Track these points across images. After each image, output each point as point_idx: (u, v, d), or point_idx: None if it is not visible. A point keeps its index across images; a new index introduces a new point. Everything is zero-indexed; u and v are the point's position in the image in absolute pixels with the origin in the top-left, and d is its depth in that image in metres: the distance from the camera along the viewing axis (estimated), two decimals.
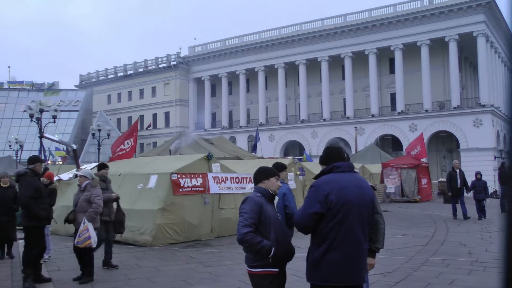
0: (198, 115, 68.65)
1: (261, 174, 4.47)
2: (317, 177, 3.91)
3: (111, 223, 9.17)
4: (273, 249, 4.08)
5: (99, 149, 38.09)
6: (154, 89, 70.02)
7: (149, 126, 69.29)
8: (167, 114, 68.85)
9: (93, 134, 39.28)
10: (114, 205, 9.59)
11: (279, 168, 5.85)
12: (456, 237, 12.85)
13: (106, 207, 8.96)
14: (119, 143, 18.55)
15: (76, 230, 8.09)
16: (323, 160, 4.03)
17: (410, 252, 10.71)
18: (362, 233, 3.74)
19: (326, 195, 3.67)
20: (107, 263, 9.23)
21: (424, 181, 28.08)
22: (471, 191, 17.85)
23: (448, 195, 19.33)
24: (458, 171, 17.54)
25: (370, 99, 53.66)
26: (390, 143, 54.63)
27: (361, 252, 3.73)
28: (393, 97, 53.86)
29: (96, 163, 19.33)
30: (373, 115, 52.84)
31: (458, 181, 17.28)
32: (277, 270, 4.18)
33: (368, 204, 3.80)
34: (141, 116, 69.41)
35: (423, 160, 29.95)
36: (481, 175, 18.05)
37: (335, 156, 3.95)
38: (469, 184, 17.89)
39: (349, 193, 3.71)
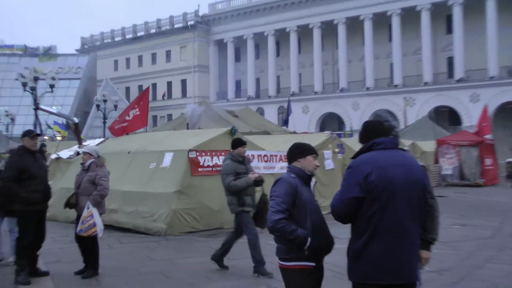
0: (220, 83, 68.80)
1: (296, 151, 4.48)
2: (355, 156, 3.92)
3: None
4: (309, 239, 4.10)
5: (104, 122, 38.49)
6: (168, 54, 70.40)
7: (164, 95, 69.64)
8: (183, 82, 69.29)
9: (98, 106, 39.76)
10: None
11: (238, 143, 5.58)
12: None
13: (248, 195, 8.26)
14: (124, 115, 18.54)
15: (79, 216, 8.10)
16: (362, 136, 4.05)
17: (471, 247, 10.54)
18: (412, 221, 3.72)
19: (366, 176, 3.66)
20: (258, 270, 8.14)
21: (488, 161, 27.58)
22: None
23: None
24: None
25: (422, 64, 52.76)
26: (447, 116, 53.72)
27: (410, 243, 3.72)
28: (450, 61, 52.83)
29: (102, 139, 19.49)
30: (426, 83, 52.02)
31: None
32: (313, 264, 4.20)
33: (418, 185, 3.78)
34: (154, 85, 69.83)
35: (488, 136, 29.33)
36: None
37: (375, 131, 3.97)
38: None
39: (393, 173, 3.70)
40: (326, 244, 4.27)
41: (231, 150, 8.56)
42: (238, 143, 8.55)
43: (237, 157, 8.40)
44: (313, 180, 4.51)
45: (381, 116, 49.01)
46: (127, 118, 18.07)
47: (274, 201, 4.14)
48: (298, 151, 4.46)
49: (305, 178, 4.38)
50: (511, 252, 9.97)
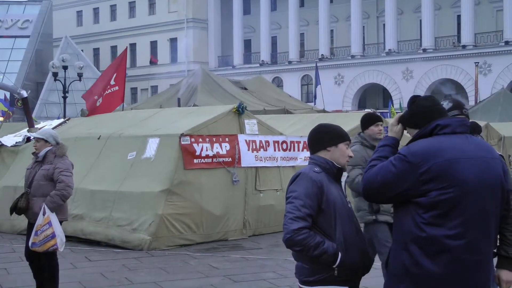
0: (223, 44, 68.71)
1: (325, 137, 4.44)
2: (409, 142, 3.87)
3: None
4: (340, 255, 4.10)
5: (64, 97, 38.44)
6: (152, 3, 70.61)
7: (151, 59, 69.51)
8: (173, 43, 69.51)
9: (55, 74, 39.59)
10: None
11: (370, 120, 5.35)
12: None
13: None
14: (98, 88, 18.59)
15: (31, 225, 8.15)
16: (419, 116, 3.95)
17: None
18: (485, 236, 3.69)
19: (422, 173, 3.61)
20: None
21: None
22: None
23: None
24: None
25: (502, 16, 52.25)
26: None
27: (479, 268, 3.70)
28: None
29: (62, 120, 19.57)
30: (507, 42, 51.64)
31: None
32: None
33: (494, 187, 3.72)
34: (132, 46, 69.73)
35: None
36: None
37: (438, 110, 3.90)
38: None
39: (462, 168, 3.63)
40: (362, 261, 4.26)
41: (360, 132, 8.04)
42: (369, 119, 8.01)
43: (370, 141, 7.82)
44: (345, 175, 4.55)
45: (441, 89, 48.90)
46: (102, 94, 18.21)
47: (292, 204, 4.12)
48: (328, 137, 4.42)
49: (334, 172, 4.37)
50: None
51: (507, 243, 4.36)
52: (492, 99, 37.91)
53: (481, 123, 26.64)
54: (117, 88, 18.01)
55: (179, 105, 21.10)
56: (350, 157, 4.49)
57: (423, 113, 3.91)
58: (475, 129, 13.85)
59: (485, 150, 3.81)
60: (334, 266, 4.09)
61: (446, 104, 4.62)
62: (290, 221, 4.03)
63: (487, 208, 3.68)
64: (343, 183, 4.51)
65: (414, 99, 4.06)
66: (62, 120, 19.40)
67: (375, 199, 3.93)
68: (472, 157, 3.68)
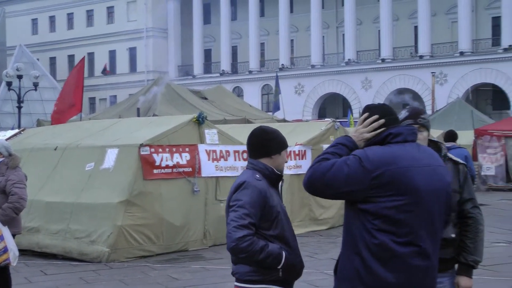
0: (183, 53, 68.64)
1: (271, 145, 4.51)
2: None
3: None
4: (284, 254, 4.24)
5: (19, 107, 37.94)
6: (110, 11, 70.31)
7: (105, 69, 69.21)
8: (132, 52, 69.36)
9: (9, 84, 39.00)
10: None
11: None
12: None
13: None
14: (63, 97, 18.42)
15: None
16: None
17: None
18: (433, 242, 3.72)
19: (374, 178, 3.60)
20: None
21: None
22: None
23: None
24: None
25: (458, 27, 53.05)
26: (490, 98, 54.15)
27: (428, 273, 3.72)
28: (496, 23, 53.31)
29: (16, 130, 19.30)
30: (462, 53, 52.42)
31: None
32: None
33: (441, 194, 3.78)
34: (90, 55, 69.51)
35: None
36: None
37: (391, 118, 3.90)
38: None
39: (413, 176, 3.65)
40: (299, 263, 4.41)
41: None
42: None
43: None
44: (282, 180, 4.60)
45: (400, 98, 49.38)
46: (61, 105, 18.02)
47: (236, 213, 4.18)
48: (274, 145, 4.48)
49: (275, 179, 4.48)
50: None
51: (467, 250, 4.55)
52: (448, 108, 38.48)
53: (438, 132, 27.01)
54: (72, 94, 17.82)
55: (138, 115, 20.95)
56: (286, 162, 4.61)
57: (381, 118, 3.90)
58: (452, 137, 14.23)
59: (433, 158, 3.87)
60: (279, 267, 4.21)
61: (403, 113, 4.67)
62: (234, 229, 4.11)
63: (435, 215, 3.73)
64: (280, 188, 4.59)
65: (368, 106, 4.05)
66: (16, 130, 19.18)
67: (317, 192, 3.79)
68: (423, 165, 3.72)
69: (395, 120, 3.91)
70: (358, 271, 3.65)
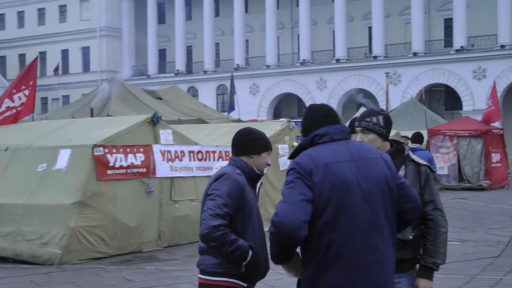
0: (137, 53, 68.19)
1: (253, 145, 4.62)
2: (293, 156, 3.94)
3: None
4: (250, 253, 4.32)
5: None
6: (63, 10, 69.49)
7: (57, 69, 68.38)
8: (85, 51, 68.69)
9: None
10: None
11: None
12: None
13: None
14: (3, 98, 18.09)
15: None
16: (303, 127, 4.08)
17: (473, 268, 10.80)
18: (378, 235, 3.74)
19: (310, 174, 3.67)
20: None
21: (496, 157, 28.21)
22: None
23: None
24: None
25: (411, 28, 53.68)
26: (443, 98, 54.88)
27: (378, 266, 3.72)
28: (448, 24, 54.07)
29: None
30: (415, 53, 53.08)
31: None
32: (246, 285, 4.46)
33: (380, 185, 3.80)
34: (42, 54, 68.52)
35: (495, 125, 30.07)
36: None
37: (318, 119, 3.97)
38: None
39: (341, 171, 3.71)
40: (265, 264, 4.52)
41: None
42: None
43: None
44: (259, 181, 4.69)
45: (354, 98, 49.78)
46: (9, 104, 17.65)
47: (214, 201, 4.28)
48: (255, 146, 4.61)
49: (254, 178, 4.59)
50: None
51: (426, 252, 4.62)
52: (402, 109, 38.87)
53: (392, 132, 27.29)
54: (26, 95, 17.51)
55: (92, 115, 20.72)
56: (269, 165, 4.70)
57: (307, 121, 4.02)
58: (419, 139, 14.46)
59: (366, 151, 3.90)
60: (244, 264, 4.31)
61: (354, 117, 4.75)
62: (210, 217, 4.22)
63: (376, 207, 3.73)
64: (258, 189, 4.71)
65: (307, 108, 4.15)
66: None
67: (299, 225, 3.59)
68: (351, 159, 3.76)
69: (332, 121, 3.94)
70: (310, 275, 3.72)
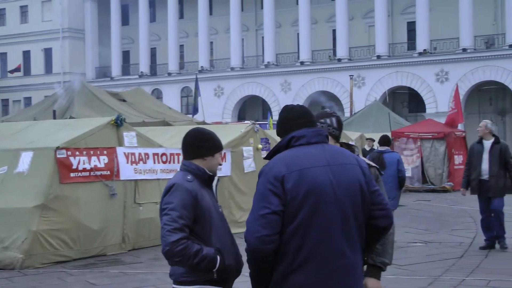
0: (100, 55, 67.63)
1: (205, 146, 4.54)
2: (269, 157, 3.96)
3: None
4: (218, 258, 4.27)
5: None
6: (24, 10, 68.71)
7: (16, 70, 67.50)
8: (48, 53, 68.02)
9: None
10: None
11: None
12: (510, 245, 13.06)
13: None
14: None
15: None
16: (278, 128, 4.07)
17: (436, 270, 10.85)
18: (347, 240, 3.76)
19: (282, 181, 3.68)
20: None
21: (459, 159, 28.44)
22: None
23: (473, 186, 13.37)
24: (489, 143, 12.94)
25: (375, 31, 54.09)
26: (406, 101, 55.34)
27: (346, 271, 3.75)
28: (411, 28, 54.57)
29: None
30: (379, 56, 53.49)
31: (485, 164, 12.84)
32: None
33: (353, 191, 3.82)
34: (3, 55, 68.32)
35: (458, 127, 30.39)
36: None
37: (294, 121, 3.97)
38: None
39: (317, 176, 3.72)
40: (236, 263, 4.45)
41: None
42: None
43: None
44: (216, 178, 4.60)
45: (318, 100, 50.02)
46: None
47: (169, 216, 4.21)
48: (208, 147, 4.52)
49: (206, 179, 4.50)
50: (486, 275, 10.33)
51: (375, 252, 4.58)
52: (366, 111, 39.09)
53: (356, 134, 27.50)
54: None
55: (54, 118, 20.51)
56: (221, 165, 4.68)
57: (282, 123, 4.02)
58: (387, 141, 14.77)
59: (341, 157, 3.91)
60: (214, 270, 4.27)
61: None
62: (168, 233, 4.16)
63: (347, 212, 3.76)
64: (214, 187, 4.61)
65: (282, 109, 4.13)
66: None
67: (269, 243, 3.66)
68: (328, 164, 3.77)
69: (308, 123, 3.96)
70: (279, 278, 3.72)
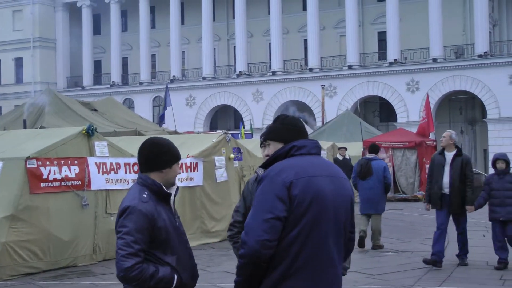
0: (72, 64, 67.44)
1: (162, 159, 4.43)
2: (268, 164, 3.94)
3: None
4: (175, 277, 4.27)
5: None
6: None
7: None
8: (18, 62, 67.41)
9: None
10: None
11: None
12: (481, 254, 13.20)
13: None
14: None
15: None
16: (283, 133, 4.05)
17: (408, 279, 10.91)
18: (337, 250, 3.83)
19: (288, 188, 3.70)
20: None
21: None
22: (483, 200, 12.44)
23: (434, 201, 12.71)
24: (450, 154, 12.20)
25: (346, 40, 54.35)
26: (377, 110, 55.68)
27: (335, 280, 3.83)
28: (382, 38, 55.02)
29: None
30: (350, 66, 53.70)
31: (446, 177, 12.14)
32: None
33: (347, 204, 3.92)
34: None
35: (429, 136, 30.62)
36: (508, 162, 12.48)
37: (296, 131, 4.03)
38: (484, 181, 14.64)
39: (321, 185, 3.78)
40: (191, 276, 4.46)
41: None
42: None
43: None
44: (174, 188, 4.50)
45: (290, 110, 50.04)
46: None
47: (123, 240, 4.15)
48: (165, 159, 4.41)
49: (163, 194, 4.40)
50: (457, 285, 10.42)
51: None
52: (338, 120, 39.23)
53: (327, 144, 27.55)
54: None
55: (25, 127, 20.32)
56: (179, 174, 4.56)
57: (284, 132, 4.02)
58: (375, 149, 15.32)
59: (336, 170, 3.98)
60: None
61: None
62: (123, 259, 4.11)
63: (340, 224, 3.84)
64: (172, 199, 4.50)
65: (279, 118, 4.17)
66: None
67: (264, 243, 3.67)
68: (328, 175, 3.84)
69: (300, 133, 4.01)
70: (275, 284, 3.73)
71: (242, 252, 3.71)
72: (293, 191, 3.68)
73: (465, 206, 11.90)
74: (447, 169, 11.98)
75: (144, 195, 4.28)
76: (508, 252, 11.80)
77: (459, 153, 12.10)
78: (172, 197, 4.50)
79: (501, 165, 12.07)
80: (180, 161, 4.57)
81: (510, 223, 11.66)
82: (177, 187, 4.55)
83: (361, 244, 13.90)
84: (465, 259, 12.20)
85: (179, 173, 4.58)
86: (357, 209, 16.55)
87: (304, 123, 4.20)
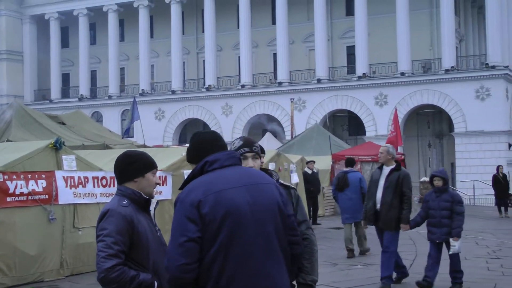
0: (39, 77, 67.01)
1: (132, 167, 4.49)
2: (183, 185, 3.97)
3: None
4: (155, 283, 4.26)
5: None
6: None
7: None
8: None
9: None
10: None
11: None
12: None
13: None
14: None
15: None
16: (190, 154, 4.13)
17: None
18: (272, 261, 3.76)
19: (198, 207, 3.69)
20: None
21: None
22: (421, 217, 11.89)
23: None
24: (388, 169, 11.73)
25: (315, 54, 54.65)
26: (346, 124, 55.95)
27: None
28: (351, 52, 55.37)
29: None
30: (319, 80, 53.98)
31: (379, 193, 11.65)
32: None
33: (272, 210, 3.84)
34: None
35: (398, 150, 30.81)
36: (446, 180, 11.81)
37: (206, 147, 4.03)
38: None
39: (233, 197, 3.74)
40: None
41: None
42: None
43: None
44: (154, 202, 4.56)
45: (260, 124, 50.22)
46: None
47: (103, 242, 4.17)
48: (135, 168, 4.46)
49: (142, 203, 4.44)
50: None
51: (304, 271, 4.68)
52: (307, 134, 39.34)
53: (296, 157, 27.58)
54: None
55: None
56: (157, 184, 4.59)
57: (194, 149, 4.08)
58: (351, 162, 15.97)
59: (257, 177, 3.95)
60: None
61: (237, 142, 4.74)
62: (103, 260, 4.10)
63: (269, 232, 3.78)
64: (152, 211, 4.57)
65: (193, 136, 4.22)
66: None
67: (189, 272, 3.70)
68: (243, 185, 3.79)
69: (212, 147, 4.00)
70: None
71: (167, 279, 3.76)
72: (202, 210, 3.67)
73: (400, 224, 11.20)
74: (381, 183, 11.41)
75: (124, 202, 4.33)
76: (435, 272, 11.35)
77: (397, 168, 11.46)
78: (152, 210, 4.55)
79: (438, 182, 11.40)
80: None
81: (446, 243, 11.18)
82: (157, 201, 4.63)
83: (351, 256, 15.02)
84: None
85: (157, 183, 4.60)
86: (339, 220, 16.91)
87: (216, 135, 4.17)
